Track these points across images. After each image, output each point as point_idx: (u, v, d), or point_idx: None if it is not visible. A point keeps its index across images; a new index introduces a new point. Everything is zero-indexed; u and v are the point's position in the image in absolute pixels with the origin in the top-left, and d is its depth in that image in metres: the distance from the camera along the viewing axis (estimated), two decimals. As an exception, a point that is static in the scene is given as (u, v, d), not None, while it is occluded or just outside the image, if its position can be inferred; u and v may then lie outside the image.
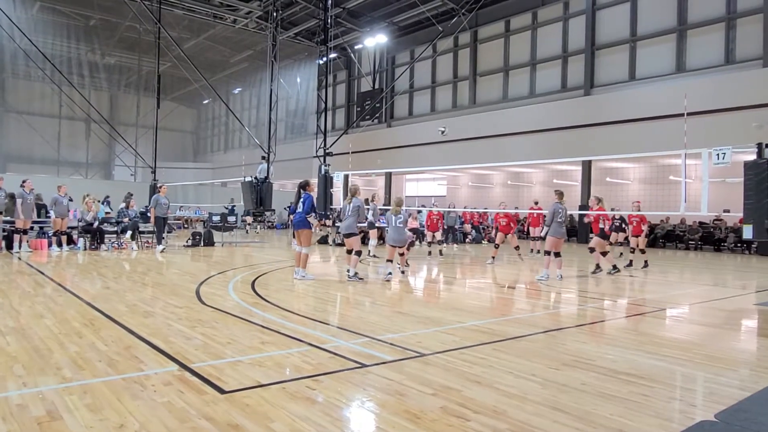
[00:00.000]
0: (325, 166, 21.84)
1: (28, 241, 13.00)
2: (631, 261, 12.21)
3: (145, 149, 25.91)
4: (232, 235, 17.80)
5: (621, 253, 14.94)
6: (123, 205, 15.17)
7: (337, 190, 23.67)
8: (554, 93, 23.15)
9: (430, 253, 14.54)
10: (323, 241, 18.57)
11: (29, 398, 3.19)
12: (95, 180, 29.64)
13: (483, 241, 21.21)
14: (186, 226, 25.32)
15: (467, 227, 21.39)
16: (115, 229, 14.39)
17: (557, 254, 9.59)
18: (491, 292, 8.67)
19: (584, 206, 18.05)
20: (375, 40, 27.99)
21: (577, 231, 21.49)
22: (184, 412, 3.03)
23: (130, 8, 23.14)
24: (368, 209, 13.45)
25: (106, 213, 15.67)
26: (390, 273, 9.30)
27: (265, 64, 27.47)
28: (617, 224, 14.34)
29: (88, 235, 13.62)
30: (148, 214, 14.34)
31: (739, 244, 18.41)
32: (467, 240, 21.11)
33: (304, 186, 9.01)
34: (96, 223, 13.78)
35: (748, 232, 6.82)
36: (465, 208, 23.02)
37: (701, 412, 3.28)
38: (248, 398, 3.29)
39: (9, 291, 7.00)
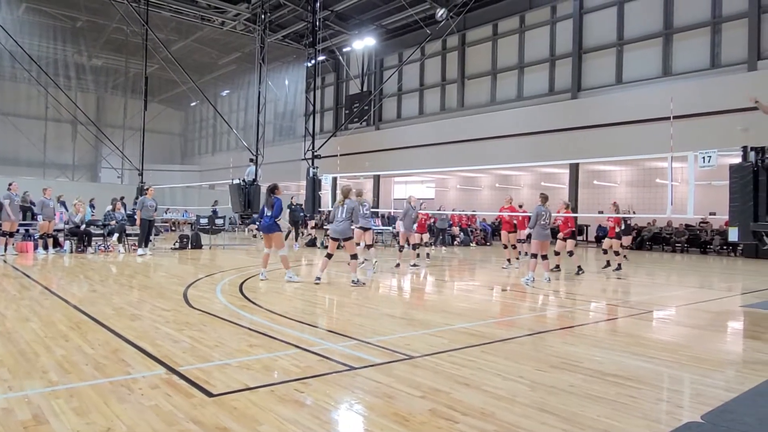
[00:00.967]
0: (314, 168, 21.80)
1: (14, 244, 12.82)
2: (608, 262, 11.97)
3: (132, 151, 25.70)
4: (219, 238, 17.69)
5: (625, 256, 15.04)
6: (110, 207, 15.02)
7: (326, 193, 23.63)
8: (542, 96, 23.34)
9: (418, 255, 14.52)
10: (311, 243, 18.52)
11: (15, 402, 3.15)
12: (81, 182, 29.32)
13: (471, 244, 21.28)
14: (173, 228, 25.11)
15: (455, 230, 21.46)
16: (102, 231, 14.24)
17: (543, 257, 9.66)
18: (479, 294, 8.70)
19: (574, 209, 18.17)
20: (363, 43, 28.03)
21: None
22: (172, 416, 3.01)
23: (117, 10, 22.92)
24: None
25: (91, 216, 15.51)
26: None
27: (253, 67, 27.36)
28: (626, 225, 14.50)
29: (75, 238, 13.46)
30: (135, 217, 14.19)
31: (724, 247, 18.66)
32: (455, 242, 21.17)
33: (273, 189, 8.94)
34: (83, 226, 13.62)
35: (733, 235, 6.92)
36: (453, 210, 23.07)
37: (688, 413, 3.32)
38: (236, 401, 3.27)
39: (-8, 295, 6.90)
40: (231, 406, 3.19)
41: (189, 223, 23.09)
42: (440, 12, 14.16)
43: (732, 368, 4.40)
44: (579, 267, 11.36)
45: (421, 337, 5.14)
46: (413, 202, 12.19)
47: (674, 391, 3.92)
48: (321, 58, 27.38)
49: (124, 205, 15.42)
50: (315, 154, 23.44)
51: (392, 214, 23.28)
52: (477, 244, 21.74)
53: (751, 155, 6.92)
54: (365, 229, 12.87)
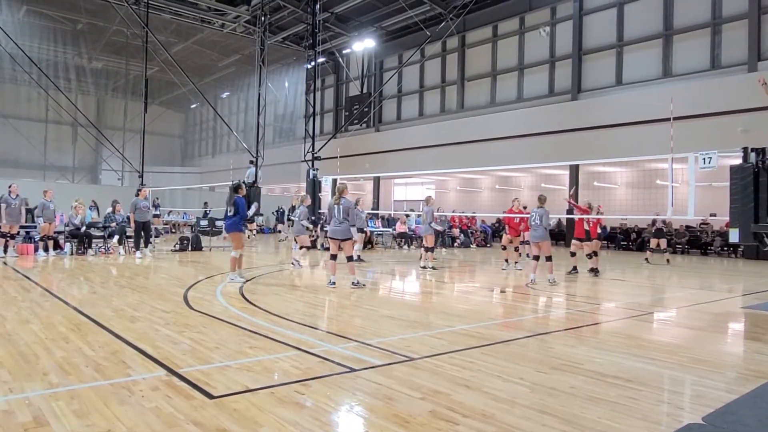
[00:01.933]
0: (314, 170, 21.82)
1: (14, 246, 12.83)
2: (595, 268, 11.63)
3: (132, 153, 25.73)
4: (219, 240, 17.70)
5: (647, 259, 15.07)
6: (110, 209, 15.02)
7: (326, 194, 23.63)
8: (542, 97, 23.37)
9: (435, 258, 14.32)
10: (312, 245, 18.51)
11: (15, 404, 3.15)
12: (82, 184, 29.35)
13: (471, 245, 21.28)
14: (174, 230, 25.12)
15: (456, 231, 21.46)
16: (102, 233, 14.24)
17: (548, 258, 9.63)
18: (480, 296, 8.69)
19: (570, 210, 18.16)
20: (363, 45, 28.07)
21: (565, 235, 21.63)
22: (172, 417, 3.00)
23: (118, 12, 22.98)
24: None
25: (93, 218, 15.52)
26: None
27: (253, 69, 27.41)
28: (659, 228, 14.47)
29: (75, 240, 13.46)
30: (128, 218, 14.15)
31: (725, 248, 18.65)
32: (455, 244, 21.17)
33: (236, 189, 8.90)
34: (83, 228, 13.62)
35: (734, 236, 6.92)
36: (453, 212, 23.07)
37: (689, 415, 3.32)
38: (237, 403, 3.27)
39: (-7, 297, 6.90)
40: (231, 407, 3.19)
41: (189, 225, 23.11)
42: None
43: (733, 370, 4.40)
44: (574, 267, 11.41)
45: (422, 339, 5.13)
46: (431, 203, 12.06)
47: (675, 393, 3.91)
48: (321, 59, 27.43)
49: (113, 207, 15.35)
50: (315, 155, 23.46)
51: (392, 215, 23.27)
52: (477, 245, 21.73)
53: (752, 156, 6.93)
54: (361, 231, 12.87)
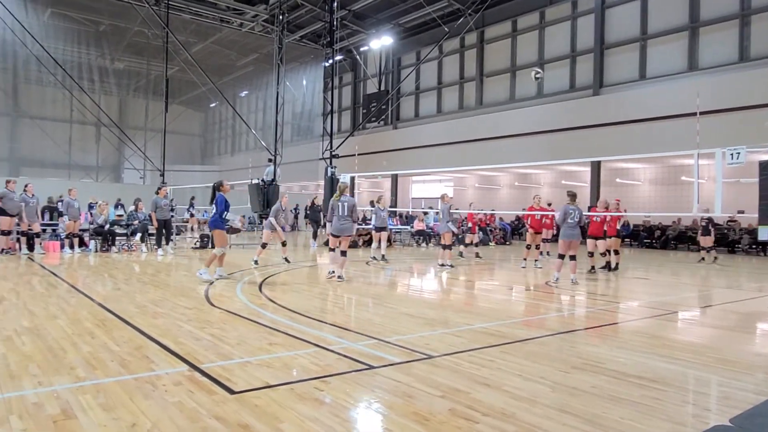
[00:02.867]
0: (332, 168, 21.88)
1: (41, 243, 13.16)
2: (608, 263, 11.48)
3: (153, 152, 26.11)
4: (239, 237, 17.87)
5: (703, 258, 14.75)
6: (132, 207, 15.29)
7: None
8: (562, 93, 23.05)
9: (461, 254, 14.29)
10: (327, 243, 18.64)
11: (44, 397, 3.23)
12: (105, 183, 29.94)
13: (490, 243, 21.13)
14: (194, 228, 25.45)
15: (468, 227, 21.32)
16: (125, 231, 14.50)
17: (572, 257, 9.48)
18: (499, 294, 8.63)
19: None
20: (381, 42, 28.02)
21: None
22: (195, 412, 3.05)
23: (139, 13, 23.32)
24: (372, 211, 13.38)
25: (118, 216, 15.82)
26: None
27: (271, 67, 27.55)
28: (704, 225, 14.17)
29: (100, 238, 13.74)
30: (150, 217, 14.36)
31: (754, 246, 18.18)
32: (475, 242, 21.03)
33: (217, 187, 8.87)
34: (107, 226, 13.91)
35: (764, 234, 6.76)
36: (470, 205, 22.91)
37: (715, 417, 3.24)
38: (257, 399, 3.30)
39: (23, 292, 7.08)
40: (252, 403, 3.22)
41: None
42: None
43: (762, 371, 4.28)
44: (593, 267, 11.15)
45: (441, 337, 5.12)
46: (447, 200, 11.93)
47: (701, 394, 3.83)
48: (338, 57, 27.46)
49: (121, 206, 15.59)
50: (333, 153, 23.51)
51: (410, 213, 23.24)
52: (496, 243, 21.57)
53: (781, 151, 6.74)
54: (381, 229, 12.85)
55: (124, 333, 4.93)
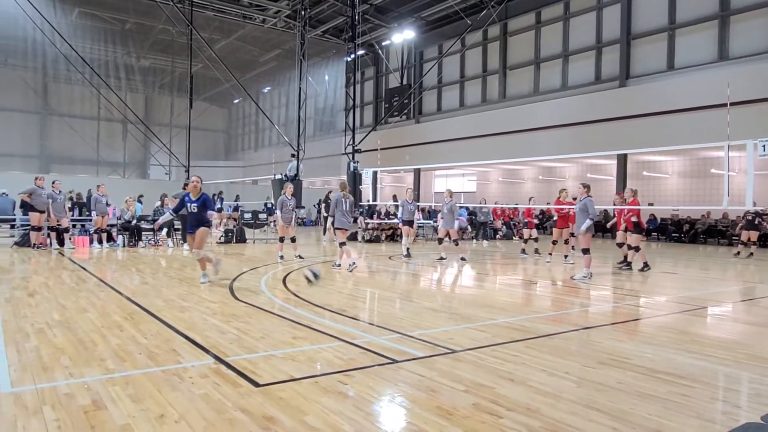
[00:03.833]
0: (354, 163, 21.92)
1: (71, 238, 13.52)
2: (625, 257, 10.97)
3: (178, 149, 26.54)
4: (263, 233, 18.08)
5: (739, 252, 14.38)
6: (158, 203, 15.57)
7: (366, 187, 23.73)
8: (588, 85, 22.63)
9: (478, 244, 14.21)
10: (352, 237, 18.66)
11: (75, 388, 3.32)
12: (132, 179, 30.56)
13: (514, 238, 20.93)
14: (236, 222, 25.86)
15: (498, 223, 21.15)
16: (152, 226, 14.79)
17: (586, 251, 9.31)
18: (523, 288, 8.55)
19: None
20: (402, 36, 27.89)
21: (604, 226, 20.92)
22: (221, 404, 3.10)
23: (164, 11, 23.65)
24: (399, 205, 13.38)
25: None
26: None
27: (294, 63, 27.71)
28: (749, 219, 13.74)
29: (127, 233, 14.05)
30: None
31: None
32: (498, 236, 20.88)
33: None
34: (134, 221, 14.21)
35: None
36: (496, 203, 22.73)
37: (746, 414, 3.16)
38: (282, 392, 3.33)
39: (55, 286, 7.29)
40: (277, 396, 3.26)
41: (233, 218, 23.69)
42: None
43: (795, 368, 4.16)
44: (625, 260, 10.82)
45: (464, 331, 5.10)
46: (449, 197, 12.01)
47: (731, 391, 3.74)
48: (360, 52, 27.42)
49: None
50: (355, 148, 23.54)
51: (433, 207, 23.14)
52: (520, 237, 21.34)
53: (817, 142, 6.51)
54: (408, 223, 12.80)
55: (152, 326, 5.04)
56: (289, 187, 11.38)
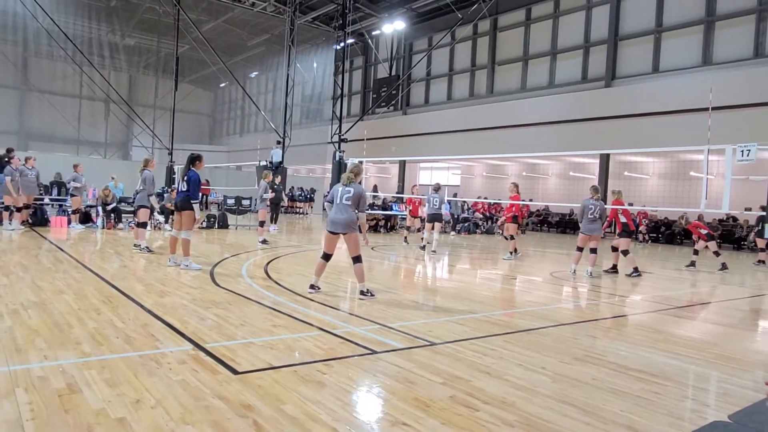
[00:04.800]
0: (340, 152, 21.83)
1: (46, 217, 13.21)
2: (614, 265, 10.45)
3: (162, 131, 26.14)
4: (245, 219, 17.94)
5: (762, 261, 13.70)
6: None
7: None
8: (574, 84, 22.83)
9: (405, 239, 14.19)
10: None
11: (50, 371, 3.28)
12: (113, 160, 29.98)
13: (496, 232, 21.11)
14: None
15: (479, 217, 21.31)
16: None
17: (592, 250, 9.37)
18: (503, 284, 8.65)
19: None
20: (393, 27, 27.77)
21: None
22: (199, 391, 3.09)
23: (150, -11, 23.19)
24: (424, 197, 13.21)
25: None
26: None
27: (283, 49, 27.40)
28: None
29: (105, 215, 13.81)
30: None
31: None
32: (478, 231, 21.03)
33: (193, 160, 7.73)
34: (113, 204, 13.97)
35: (768, 232, 6.70)
36: (479, 198, 22.88)
37: (714, 412, 3.26)
38: (260, 380, 3.33)
39: (30, 266, 7.15)
40: (255, 384, 3.26)
41: (216, 203, 23.47)
42: None
43: (762, 368, 4.29)
44: (635, 268, 9.85)
45: (443, 324, 5.14)
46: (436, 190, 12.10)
47: (700, 389, 3.85)
48: (350, 41, 27.24)
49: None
50: (341, 137, 23.42)
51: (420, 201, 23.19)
52: (501, 232, 21.52)
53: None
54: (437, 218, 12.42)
55: (130, 310, 4.98)
56: (270, 175, 11.88)
